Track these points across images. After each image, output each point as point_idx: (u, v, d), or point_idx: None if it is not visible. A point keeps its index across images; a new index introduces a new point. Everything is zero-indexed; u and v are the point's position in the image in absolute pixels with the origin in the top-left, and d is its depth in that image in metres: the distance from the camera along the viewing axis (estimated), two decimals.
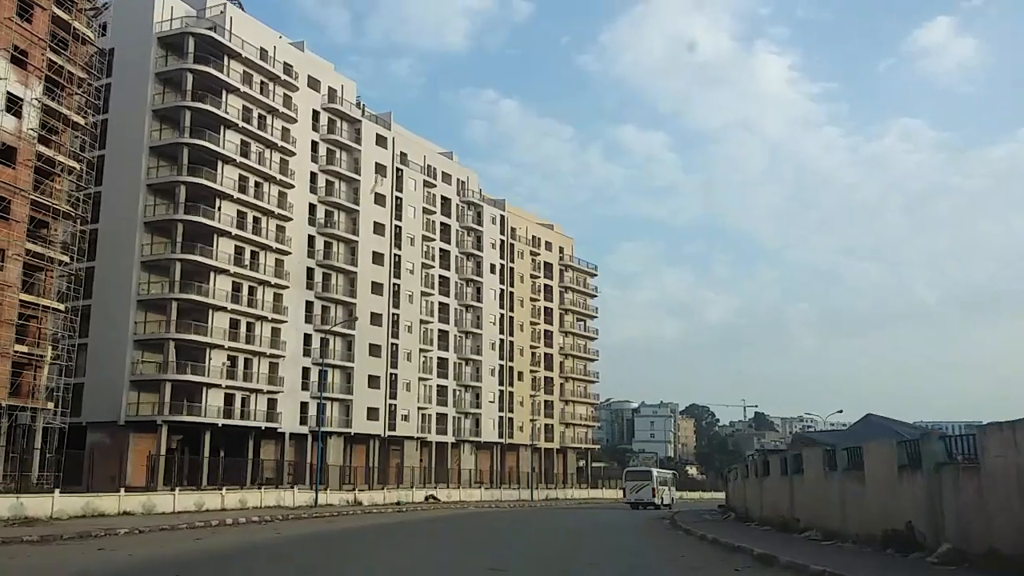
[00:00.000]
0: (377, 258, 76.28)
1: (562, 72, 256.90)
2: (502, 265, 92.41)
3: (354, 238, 73.89)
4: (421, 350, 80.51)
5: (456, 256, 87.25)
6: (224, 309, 61.18)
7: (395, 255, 78.45)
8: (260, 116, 66.42)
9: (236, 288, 62.85)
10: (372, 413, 74.02)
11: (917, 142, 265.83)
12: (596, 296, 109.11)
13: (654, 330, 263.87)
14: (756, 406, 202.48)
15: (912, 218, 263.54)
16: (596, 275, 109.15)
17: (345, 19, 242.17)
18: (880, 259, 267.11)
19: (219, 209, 61.78)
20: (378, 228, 76.64)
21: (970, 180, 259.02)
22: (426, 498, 49.48)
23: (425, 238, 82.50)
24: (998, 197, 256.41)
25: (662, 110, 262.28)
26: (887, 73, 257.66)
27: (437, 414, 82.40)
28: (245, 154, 64.19)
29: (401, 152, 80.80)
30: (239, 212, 63.54)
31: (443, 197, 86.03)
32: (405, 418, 77.85)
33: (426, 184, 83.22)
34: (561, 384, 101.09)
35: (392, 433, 75.96)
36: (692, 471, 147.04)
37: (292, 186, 68.44)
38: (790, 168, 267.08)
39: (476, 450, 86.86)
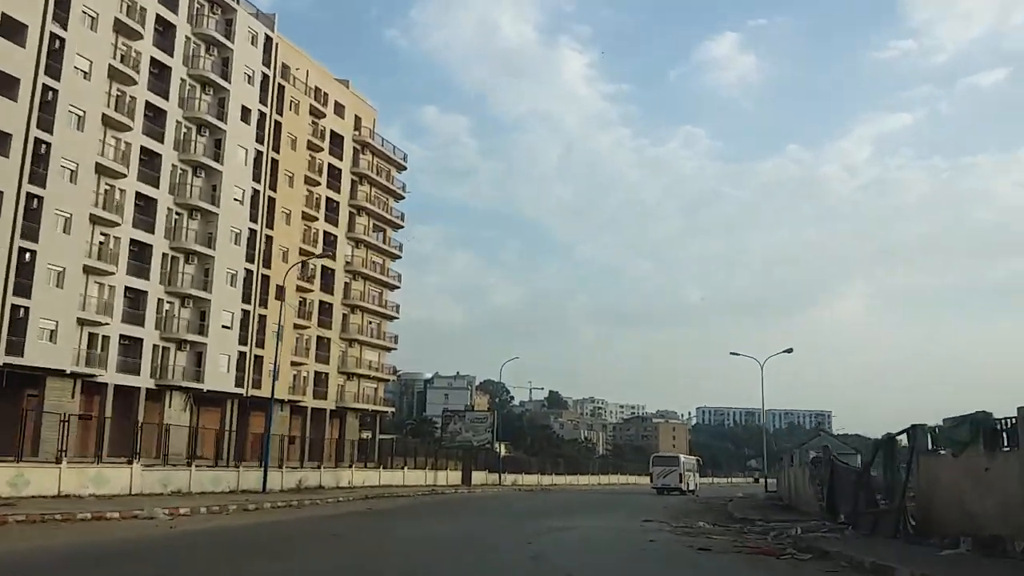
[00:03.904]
0: (11, 30, 40.11)
1: (368, 44, 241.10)
2: (263, 114, 57.99)
3: None
4: (94, 219, 45.07)
5: (182, 79, 52.06)
6: None
7: (51, 34, 42.49)
8: None
9: None
10: None
11: (697, 149, 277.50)
12: (404, 198, 76.96)
13: (442, 312, 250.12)
14: (543, 388, 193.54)
15: (687, 222, 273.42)
16: (406, 168, 76.94)
17: None
18: (657, 258, 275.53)
19: None
20: None
21: (740, 190, 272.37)
22: None
23: (120, 28, 46.88)
24: (763, 208, 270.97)
25: (466, 94, 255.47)
26: (677, 80, 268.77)
27: (123, 338, 47.40)
28: None
29: None
30: None
31: None
32: (49, 337, 42.31)
33: None
34: (345, 315, 68.31)
35: (16, 360, 40.35)
36: (501, 448, 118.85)
37: None
38: (582, 164, 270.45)
39: (196, 404, 52.41)
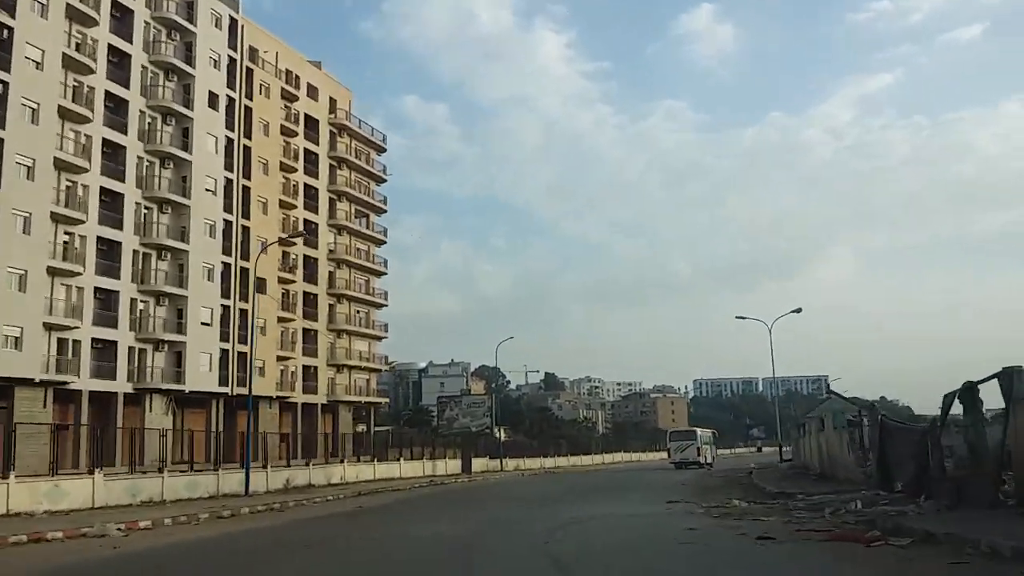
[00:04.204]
0: None
1: (343, 37, 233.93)
2: (231, 100, 55.38)
3: None
4: (56, 217, 42.60)
5: (144, 66, 49.44)
6: None
7: None
8: None
9: None
10: None
11: (679, 122, 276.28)
12: (386, 180, 74.45)
13: (433, 302, 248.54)
14: (538, 371, 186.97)
15: (671, 194, 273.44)
16: (385, 149, 74.37)
17: None
18: (642, 234, 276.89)
19: None
20: None
21: (722, 160, 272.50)
22: None
23: (73, 14, 44.23)
24: (746, 176, 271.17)
25: (445, 83, 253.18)
26: (655, 55, 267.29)
27: (96, 341, 45.04)
28: None
29: None
30: None
31: None
32: (14, 345, 39.97)
33: None
34: (331, 305, 66.01)
35: None
36: (500, 433, 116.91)
37: None
38: (564, 144, 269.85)
39: (179, 406, 50.15)
